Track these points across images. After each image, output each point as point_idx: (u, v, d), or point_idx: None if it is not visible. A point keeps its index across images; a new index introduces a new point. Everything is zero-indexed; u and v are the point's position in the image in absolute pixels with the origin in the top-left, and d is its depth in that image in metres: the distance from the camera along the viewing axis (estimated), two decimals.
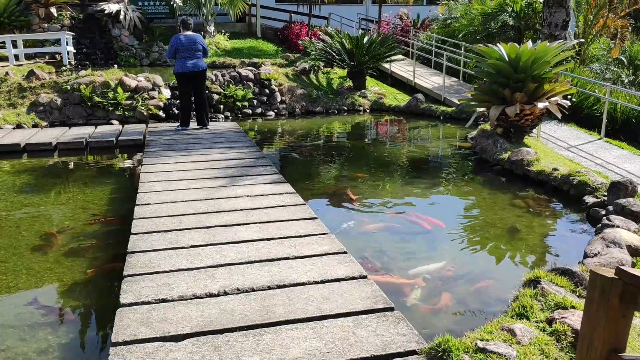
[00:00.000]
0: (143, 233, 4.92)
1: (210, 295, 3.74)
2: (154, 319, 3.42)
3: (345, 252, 4.46)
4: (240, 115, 13.22)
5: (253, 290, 3.81)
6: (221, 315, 3.46)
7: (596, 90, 12.54)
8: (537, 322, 3.23)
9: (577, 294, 3.55)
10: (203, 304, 3.61)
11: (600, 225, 5.10)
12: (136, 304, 3.63)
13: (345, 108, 14.45)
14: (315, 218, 5.32)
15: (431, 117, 13.27)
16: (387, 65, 17.73)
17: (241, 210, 5.56)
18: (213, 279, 3.96)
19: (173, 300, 3.68)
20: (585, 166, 9.07)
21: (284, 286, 3.87)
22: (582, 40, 15.78)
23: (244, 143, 9.14)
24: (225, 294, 3.76)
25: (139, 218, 5.32)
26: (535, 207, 6.45)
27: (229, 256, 4.38)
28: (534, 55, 8.52)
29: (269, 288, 3.84)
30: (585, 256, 4.15)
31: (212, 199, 5.96)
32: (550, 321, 3.16)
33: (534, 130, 9.70)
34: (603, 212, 5.65)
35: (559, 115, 8.99)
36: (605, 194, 6.09)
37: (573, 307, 3.30)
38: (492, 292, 4.27)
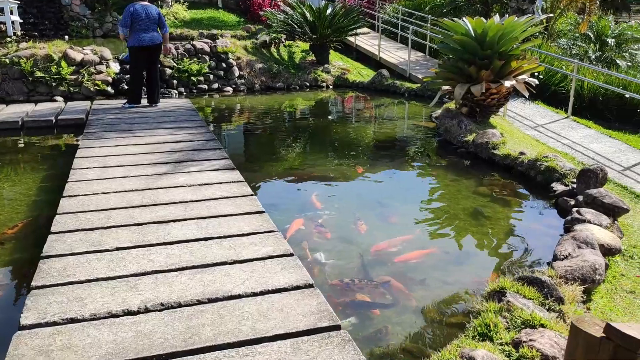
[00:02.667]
0: (64, 232, 4.33)
1: (128, 313, 3.20)
2: (55, 347, 2.88)
3: (291, 255, 3.97)
4: (195, 91, 12.50)
5: (180, 305, 3.29)
6: (137, 339, 2.94)
7: (563, 67, 12.25)
8: (501, 344, 2.82)
9: (547, 306, 3.16)
10: (118, 325, 3.08)
11: (570, 218, 4.73)
12: (39, 325, 3.08)
13: (308, 84, 13.85)
14: (262, 212, 4.81)
15: (396, 94, 12.80)
16: (352, 39, 17.10)
17: (180, 203, 5.01)
18: (135, 291, 3.43)
19: (84, 319, 3.14)
20: (552, 147, 8.76)
21: (216, 300, 3.36)
22: (551, 15, 15.43)
23: (195, 123, 8.51)
24: (147, 310, 3.23)
25: (63, 213, 4.72)
26: (501, 195, 6.07)
27: (157, 261, 3.84)
28: (501, 31, 8.07)
29: (199, 302, 3.33)
30: (555, 258, 3.76)
31: (149, 189, 5.38)
32: (517, 344, 2.75)
33: (500, 109, 9.32)
34: (572, 202, 5.29)
35: (527, 94, 8.61)
36: (575, 180, 5.73)
37: (542, 325, 2.89)
38: (453, 299, 3.85)
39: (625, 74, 13.00)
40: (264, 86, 13.36)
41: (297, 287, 3.53)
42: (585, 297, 3.52)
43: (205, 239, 4.22)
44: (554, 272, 3.52)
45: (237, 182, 5.64)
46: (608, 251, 4.03)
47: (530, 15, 9.90)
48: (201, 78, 12.61)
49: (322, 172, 7.16)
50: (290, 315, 3.19)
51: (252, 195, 5.24)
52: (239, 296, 3.41)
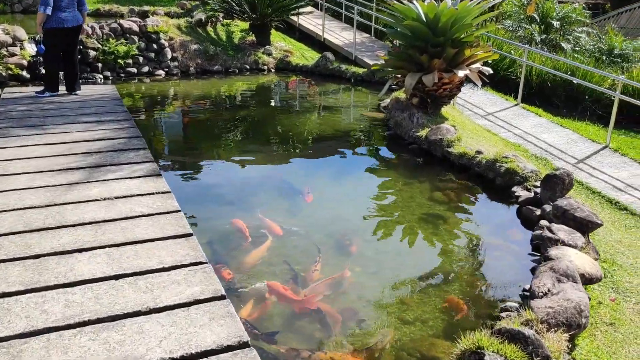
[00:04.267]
0: None
1: None
2: None
3: (223, 297, 3.27)
4: (123, 75, 11.39)
5: None
6: None
7: (512, 52, 11.91)
8: None
9: None
10: None
11: (539, 234, 4.24)
12: None
13: (248, 67, 12.94)
14: (190, 235, 4.06)
15: (341, 79, 12.12)
16: (295, 18, 16.23)
17: (90, 224, 4.19)
18: None
19: None
20: (504, 137, 8.38)
21: None
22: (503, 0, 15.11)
23: (118, 115, 7.56)
24: None
25: None
26: (458, 201, 5.54)
27: (52, 313, 3.06)
28: (454, 16, 7.49)
29: None
30: (533, 295, 3.23)
31: (55, 204, 4.52)
32: None
33: (452, 99, 8.82)
34: (538, 212, 4.82)
35: (480, 84, 8.14)
36: (537, 184, 5.26)
37: None
38: (412, 347, 3.26)
39: (571, 58, 12.84)
40: (200, 69, 12.37)
41: (229, 348, 2.84)
42: (569, 344, 3.01)
43: (117, 277, 3.45)
44: (534, 316, 2.99)
45: (162, 193, 4.85)
46: (589, 281, 3.56)
47: None
48: (129, 61, 11.50)
49: (258, 172, 6.47)
50: None
51: (178, 211, 4.47)
52: None
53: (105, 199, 4.67)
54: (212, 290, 3.33)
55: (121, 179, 5.15)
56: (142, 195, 4.78)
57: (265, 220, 4.94)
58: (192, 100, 10.10)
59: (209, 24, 13.75)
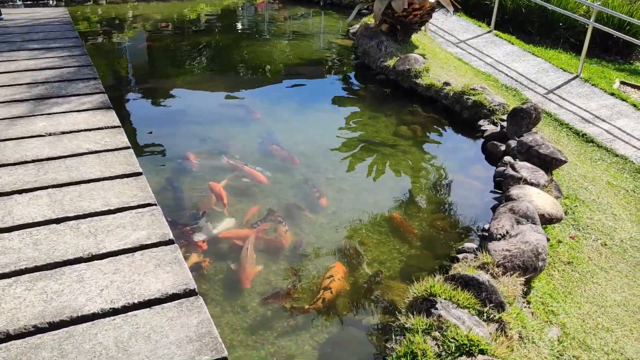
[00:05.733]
0: None
1: None
2: None
3: (171, 242, 3.11)
4: None
5: (8, 337, 2.42)
6: None
7: None
8: None
9: (485, 316, 2.55)
10: None
11: (502, 171, 4.14)
12: None
13: None
14: (139, 174, 3.84)
15: (311, 3, 11.57)
16: None
17: (32, 162, 3.93)
18: None
19: None
20: (475, 66, 8.17)
21: (61, 325, 2.50)
22: None
23: (68, 41, 7.07)
24: None
25: None
26: (424, 136, 5.39)
27: None
28: None
29: (36, 330, 2.46)
30: (491, 237, 3.15)
31: None
32: None
33: (423, 26, 8.48)
34: (503, 147, 4.70)
35: (452, 10, 7.82)
36: (504, 118, 5.13)
37: (481, 351, 2.28)
38: (367, 292, 3.19)
39: None
40: None
41: (174, 297, 2.71)
42: (525, 287, 2.97)
43: (58, 221, 3.25)
44: (491, 259, 2.92)
45: (111, 127, 4.57)
46: (549, 221, 3.50)
47: None
48: None
49: (222, 101, 6.19)
50: (160, 347, 2.40)
51: (127, 147, 4.22)
52: (92, 316, 2.56)
53: (50, 135, 4.38)
54: (160, 234, 3.16)
55: (68, 112, 4.83)
56: (90, 130, 4.50)
57: (243, 168, 4.63)
58: (152, 24, 9.54)
59: None
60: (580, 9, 10.71)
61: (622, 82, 8.57)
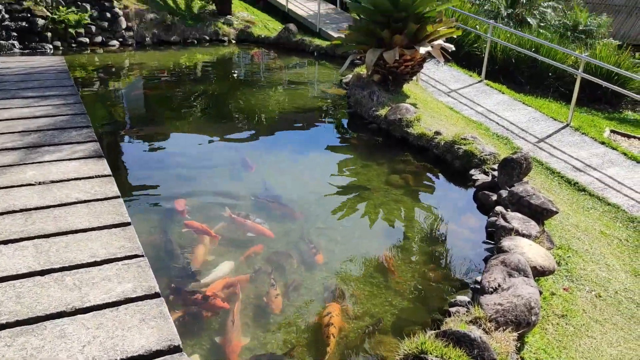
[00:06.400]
0: None
1: None
2: None
3: (157, 296, 3.05)
4: (74, 45, 10.84)
5: None
6: None
7: (477, 27, 11.73)
8: None
9: None
10: None
11: (494, 221, 4.12)
12: None
13: (207, 37, 12.48)
14: (127, 224, 3.80)
15: (304, 53, 11.79)
16: None
17: (20, 212, 3.89)
18: None
19: None
20: (467, 115, 8.27)
21: None
22: None
23: (64, 89, 7.13)
24: None
25: None
26: (415, 185, 5.39)
27: None
28: None
29: None
30: (483, 290, 3.11)
31: None
32: None
33: (414, 76, 8.62)
34: (494, 197, 4.70)
35: (442, 61, 7.96)
36: (495, 167, 5.14)
37: None
38: (357, 348, 3.12)
39: (537, 34, 12.75)
40: (157, 40, 11.86)
41: (158, 354, 2.64)
42: (518, 343, 2.91)
43: (43, 273, 3.19)
44: (483, 314, 2.86)
45: (102, 176, 4.55)
46: (541, 274, 3.46)
47: None
48: (81, 30, 10.93)
49: (217, 148, 6.21)
50: None
51: (117, 197, 4.20)
52: None
53: (39, 184, 4.36)
54: (146, 287, 3.10)
55: (59, 160, 4.83)
56: (80, 179, 4.48)
57: (247, 222, 4.55)
58: (148, 71, 9.68)
59: None
60: (569, 60, 10.96)
61: (612, 131, 8.68)
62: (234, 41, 12.69)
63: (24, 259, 3.31)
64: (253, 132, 6.96)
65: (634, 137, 8.52)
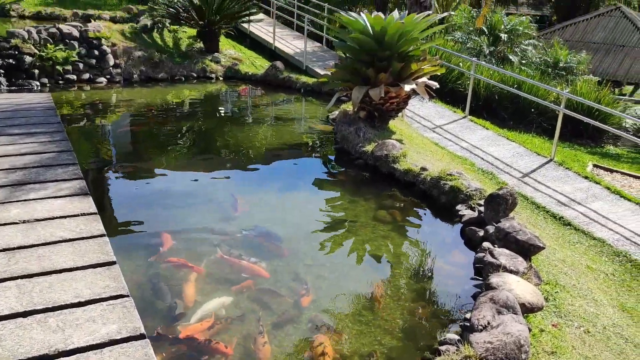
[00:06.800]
0: None
1: None
2: None
3: (142, 337, 3.00)
4: (62, 82, 10.88)
5: None
6: None
7: (460, 64, 11.98)
8: None
9: None
10: None
11: (481, 257, 4.13)
12: None
13: (195, 75, 12.60)
14: (113, 263, 3.76)
15: (291, 90, 11.92)
16: (246, 25, 15.96)
17: (3, 251, 3.83)
18: None
19: None
20: (452, 151, 8.35)
21: None
22: (453, 13, 15.25)
23: (50, 127, 7.12)
24: None
25: None
26: (402, 221, 5.41)
27: None
28: (401, 30, 7.41)
29: None
30: (473, 328, 3.10)
31: None
32: None
33: (400, 113, 8.73)
34: (481, 232, 4.72)
35: (427, 98, 8.09)
36: (481, 203, 5.19)
37: None
38: None
39: (518, 71, 13.05)
40: (144, 77, 11.95)
41: None
42: None
43: (25, 314, 3.13)
44: (473, 352, 2.84)
45: (87, 214, 4.51)
46: (530, 311, 3.46)
47: (430, 12, 9.38)
48: (69, 67, 10.99)
49: (204, 185, 6.19)
50: None
51: (102, 235, 4.15)
52: None
53: (24, 222, 4.31)
54: (131, 328, 3.05)
55: (45, 198, 4.79)
56: (65, 217, 4.44)
57: (241, 263, 4.48)
58: (136, 108, 9.71)
59: (155, 30, 13.34)
60: (551, 96, 11.19)
61: (595, 165, 8.82)
62: (221, 78, 12.81)
63: (6, 300, 3.25)
64: (240, 168, 6.98)
65: (616, 171, 8.66)
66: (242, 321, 3.73)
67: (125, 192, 6.09)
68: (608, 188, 7.28)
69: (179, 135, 8.26)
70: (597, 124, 8.53)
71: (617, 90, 19.89)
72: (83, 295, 3.34)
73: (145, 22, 13.17)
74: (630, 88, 21.90)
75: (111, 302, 3.29)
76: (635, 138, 9.82)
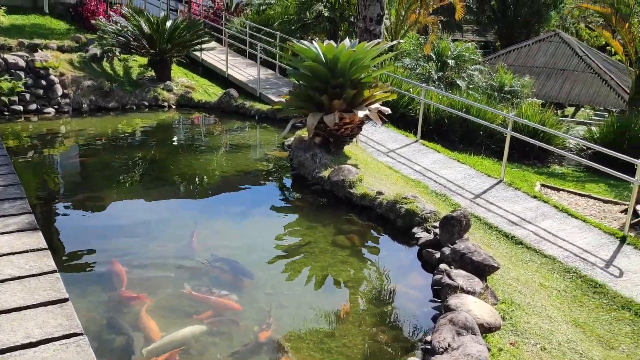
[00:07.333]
0: None
1: None
2: None
3: None
4: (7, 113, 10.56)
5: None
6: None
7: (410, 90, 12.27)
8: None
9: None
10: None
11: (439, 279, 4.19)
12: None
13: (146, 103, 12.45)
14: (66, 300, 3.63)
15: (245, 117, 11.92)
16: (198, 53, 15.94)
17: None
18: None
19: None
20: (406, 174, 8.49)
21: None
22: (401, 40, 15.67)
23: None
24: None
25: None
26: (361, 245, 5.45)
27: None
28: (352, 58, 7.56)
29: None
30: (434, 350, 3.14)
31: None
32: None
33: (354, 138, 8.86)
34: (438, 254, 4.81)
35: (380, 123, 8.24)
36: (436, 225, 5.29)
37: None
38: None
39: (466, 95, 13.46)
40: (94, 106, 11.73)
41: None
42: None
43: None
44: None
45: (37, 250, 4.35)
46: (488, 330, 3.53)
47: (380, 40, 9.63)
48: (15, 98, 10.68)
49: (158, 215, 6.08)
50: None
51: (54, 271, 4.01)
52: None
53: None
54: None
55: None
56: (13, 254, 4.27)
57: (211, 299, 4.35)
58: (86, 139, 9.49)
59: (105, 59, 13.15)
60: (498, 119, 11.58)
61: (543, 185, 9.14)
62: (174, 106, 12.70)
63: None
64: (195, 197, 6.90)
65: (563, 190, 9.00)
66: (201, 354, 3.65)
67: (77, 225, 5.91)
68: (556, 207, 7.54)
69: (131, 165, 8.11)
70: (542, 145, 8.86)
71: (560, 111, 20.80)
72: (34, 335, 3.20)
73: (94, 51, 12.98)
74: (572, 109, 22.95)
75: (64, 341, 3.17)
76: (579, 157, 10.29)
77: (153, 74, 13.44)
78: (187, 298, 4.34)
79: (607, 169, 7.37)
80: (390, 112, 8.41)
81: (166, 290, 4.43)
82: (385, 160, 9.17)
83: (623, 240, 6.67)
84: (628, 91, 17.74)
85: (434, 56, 16.38)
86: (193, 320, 4.05)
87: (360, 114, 7.62)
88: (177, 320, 4.07)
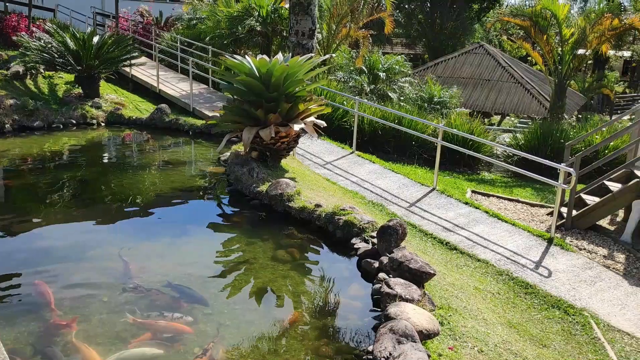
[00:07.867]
0: None
1: None
2: None
3: None
4: None
5: None
6: None
7: (344, 102, 12.46)
8: None
9: None
10: None
11: (378, 288, 4.26)
12: None
13: (74, 121, 12.01)
14: None
15: (179, 132, 11.71)
16: (127, 69, 15.55)
17: None
18: None
19: None
20: (343, 185, 8.59)
21: None
22: (334, 54, 15.89)
23: None
24: None
25: None
26: (301, 259, 5.47)
27: None
28: (286, 72, 7.61)
29: None
30: None
31: None
32: None
33: (291, 152, 8.89)
34: (376, 264, 4.89)
35: (316, 136, 8.32)
36: (374, 235, 5.38)
37: None
38: None
39: (398, 107, 13.81)
40: (18, 126, 11.19)
41: None
42: None
43: None
44: None
45: None
46: (427, 337, 3.61)
47: (313, 55, 9.73)
48: None
49: (90, 237, 5.86)
50: None
51: None
52: None
53: None
54: None
55: None
56: None
57: (159, 323, 4.20)
58: (9, 160, 9.03)
59: (29, 77, 12.60)
60: (429, 129, 11.94)
61: (473, 191, 9.49)
62: (103, 124, 12.32)
63: None
64: (129, 217, 6.70)
65: (492, 196, 9.37)
66: None
67: (1, 251, 5.60)
68: (487, 212, 7.84)
69: (60, 186, 7.78)
70: (471, 153, 9.20)
71: (486, 120, 21.70)
72: None
73: (16, 69, 12.42)
74: (497, 118, 23.99)
75: None
76: (506, 164, 10.76)
77: (80, 91, 12.99)
78: (124, 323, 4.19)
79: (532, 174, 7.75)
80: (325, 124, 8.51)
81: (99, 316, 4.26)
82: (323, 173, 9.25)
83: (550, 241, 7.01)
84: (549, 99, 18.78)
85: (365, 69, 16.73)
86: (133, 344, 3.92)
87: (296, 127, 7.66)
88: (112, 347, 3.92)
